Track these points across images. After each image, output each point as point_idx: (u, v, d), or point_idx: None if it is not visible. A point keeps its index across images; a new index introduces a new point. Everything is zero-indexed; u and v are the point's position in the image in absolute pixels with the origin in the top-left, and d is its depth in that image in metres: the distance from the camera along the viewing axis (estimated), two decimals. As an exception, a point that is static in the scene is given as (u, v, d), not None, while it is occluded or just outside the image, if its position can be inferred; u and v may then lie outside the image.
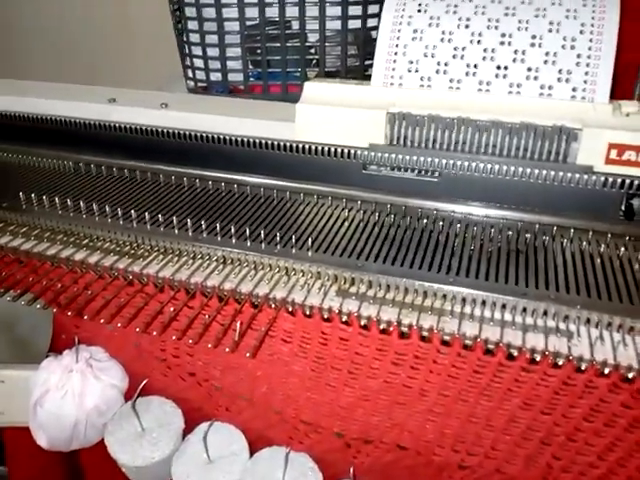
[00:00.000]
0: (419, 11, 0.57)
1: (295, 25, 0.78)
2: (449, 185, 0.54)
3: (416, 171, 0.55)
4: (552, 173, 0.51)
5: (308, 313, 0.43)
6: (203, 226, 0.49)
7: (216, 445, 0.55)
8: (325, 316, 0.43)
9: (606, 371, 0.37)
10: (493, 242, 0.49)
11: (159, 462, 0.54)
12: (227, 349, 0.40)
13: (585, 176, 0.51)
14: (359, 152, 0.56)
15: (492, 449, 0.44)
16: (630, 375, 0.37)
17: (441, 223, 0.51)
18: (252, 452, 0.54)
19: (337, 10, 0.76)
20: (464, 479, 0.46)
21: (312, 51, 0.81)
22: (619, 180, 0.50)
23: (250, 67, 0.83)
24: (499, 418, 0.42)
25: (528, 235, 0.50)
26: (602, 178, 0.50)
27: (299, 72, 0.80)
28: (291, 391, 0.48)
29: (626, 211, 0.51)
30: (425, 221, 0.52)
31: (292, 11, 0.77)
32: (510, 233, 0.50)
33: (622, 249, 0.48)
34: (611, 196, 0.51)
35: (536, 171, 0.52)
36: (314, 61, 0.81)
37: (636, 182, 0.50)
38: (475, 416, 0.42)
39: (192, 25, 0.81)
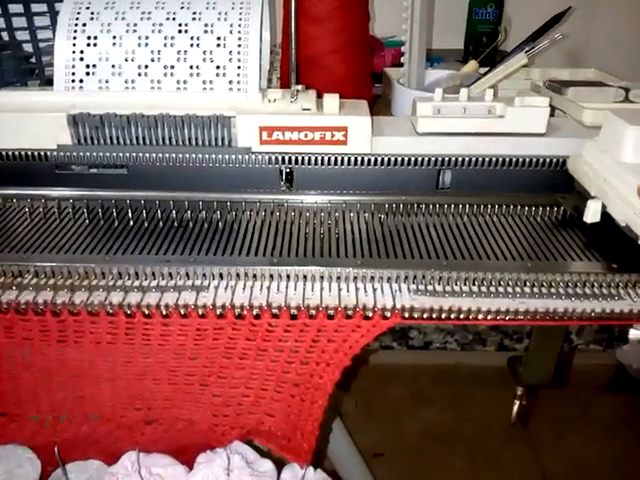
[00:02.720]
0: (92, 19, 0.61)
1: (6, 36, 0.79)
2: (137, 176, 0.60)
3: (105, 167, 0.60)
4: (220, 156, 0.59)
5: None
6: None
7: None
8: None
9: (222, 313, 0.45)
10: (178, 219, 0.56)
11: None
12: None
13: (247, 156, 0.59)
14: (49, 153, 0.59)
15: (165, 400, 0.50)
16: (239, 312, 0.45)
17: (130, 210, 0.57)
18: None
19: (46, 20, 0.78)
20: (155, 433, 0.52)
21: (33, 60, 0.82)
22: (274, 157, 0.59)
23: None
24: (158, 372, 0.48)
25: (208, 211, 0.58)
26: (260, 157, 0.59)
27: (20, 83, 0.81)
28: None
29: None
30: (114, 210, 0.58)
31: (-1, 22, 0.77)
32: (183, 211, 0.57)
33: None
34: (269, 171, 0.60)
35: (207, 156, 0.59)
36: (37, 70, 0.83)
37: (287, 157, 0.59)
38: (139, 374, 0.48)
39: None
